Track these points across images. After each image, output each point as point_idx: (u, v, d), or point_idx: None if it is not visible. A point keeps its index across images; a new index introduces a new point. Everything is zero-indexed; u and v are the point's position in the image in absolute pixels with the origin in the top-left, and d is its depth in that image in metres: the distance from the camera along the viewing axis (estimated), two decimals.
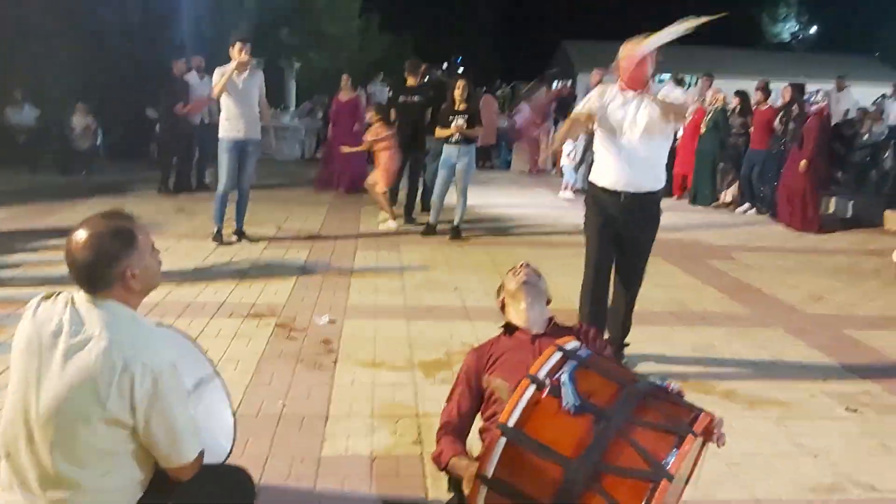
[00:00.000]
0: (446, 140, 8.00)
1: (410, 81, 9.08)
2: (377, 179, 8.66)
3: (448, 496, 2.67)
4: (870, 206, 10.65)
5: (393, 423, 3.64)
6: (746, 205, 10.83)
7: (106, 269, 2.05)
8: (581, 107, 4.34)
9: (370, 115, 9.11)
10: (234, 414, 2.71)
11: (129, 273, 2.07)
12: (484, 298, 5.74)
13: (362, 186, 10.53)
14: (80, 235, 2.08)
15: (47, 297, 2.15)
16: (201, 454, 2.19)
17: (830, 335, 5.28)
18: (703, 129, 11.10)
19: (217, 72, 7.16)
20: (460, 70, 17.63)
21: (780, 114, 10.24)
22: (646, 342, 4.82)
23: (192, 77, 10.43)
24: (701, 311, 5.76)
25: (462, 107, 8.02)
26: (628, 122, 4.13)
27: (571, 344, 2.32)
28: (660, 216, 4.41)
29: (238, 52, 7.05)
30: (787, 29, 41.70)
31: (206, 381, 2.66)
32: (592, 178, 4.39)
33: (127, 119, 12.63)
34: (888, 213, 10.15)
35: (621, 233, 4.31)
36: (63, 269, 2.08)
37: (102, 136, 12.53)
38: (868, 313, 5.91)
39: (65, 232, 2.11)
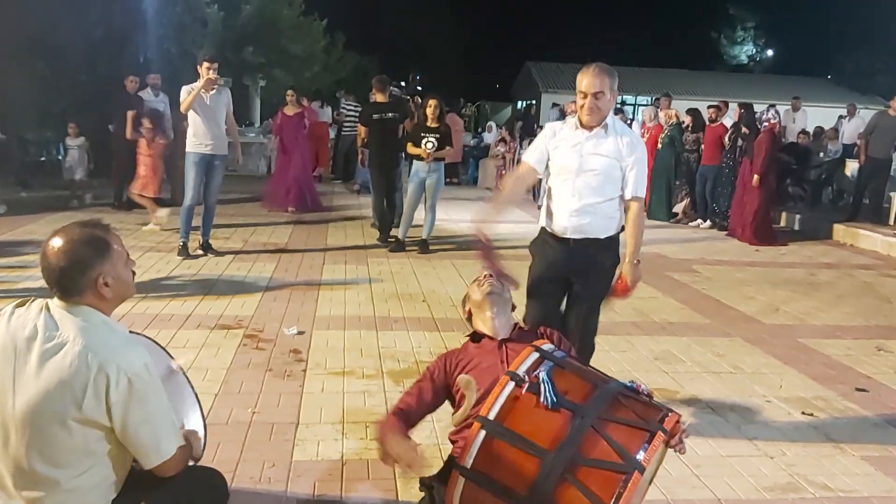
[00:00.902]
0: (416, 156, 8.09)
1: (380, 98, 8.92)
2: (142, 185, 8.82)
3: (418, 497, 2.72)
4: (818, 220, 11.09)
5: (363, 429, 3.68)
6: (699, 220, 11.24)
7: (79, 275, 2.08)
8: (528, 154, 3.77)
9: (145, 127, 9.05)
10: (204, 418, 2.74)
11: (101, 280, 2.10)
12: (451, 310, 5.81)
13: (314, 203, 10.80)
14: (56, 242, 2.11)
15: (21, 304, 2.18)
16: (184, 450, 2.22)
17: (786, 344, 5.45)
18: (659, 146, 11.45)
19: (185, 89, 7.21)
20: (419, 88, 17.68)
21: (731, 131, 10.64)
22: (609, 351, 4.94)
23: (147, 94, 10.32)
24: (662, 322, 5.90)
25: (434, 125, 8.11)
26: (579, 166, 3.53)
27: (547, 345, 2.42)
28: (614, 267, 3.72)
29: (206, 70, 7.12)
30: (745, 52, 42.81)
31: (174, 387, 2.70)
32: (541, 221, 3.78)
33: (89, 135, 12.51)
34: (837, 227, 10.56)
35: (570, 281, 3.69)
36: (27, 281, 2.11)
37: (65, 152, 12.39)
38: (822, 323, 6.10)
39: (27, 244, 2.14)
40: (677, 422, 2.21)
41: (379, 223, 8.90)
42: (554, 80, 28.82)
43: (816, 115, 16.53)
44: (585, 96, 3.47)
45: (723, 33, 42.30)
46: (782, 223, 11.54)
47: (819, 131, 14.18)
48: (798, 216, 11.37)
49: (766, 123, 9.82)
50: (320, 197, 11.35)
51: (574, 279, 3.67)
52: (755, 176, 9.62)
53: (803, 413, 4.21)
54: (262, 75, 22.55)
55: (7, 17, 11.53)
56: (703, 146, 11.14)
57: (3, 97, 12.24)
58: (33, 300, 2.18)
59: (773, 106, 10.65)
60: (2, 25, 11.49)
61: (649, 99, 25.38)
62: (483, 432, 2.14)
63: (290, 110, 10.85)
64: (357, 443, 3.54)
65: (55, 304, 2.12)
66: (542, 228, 3.77)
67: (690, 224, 11.25)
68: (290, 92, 11.02)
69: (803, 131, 13.75)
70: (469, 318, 3.03)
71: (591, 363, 4.54)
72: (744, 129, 10.25)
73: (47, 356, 2.05)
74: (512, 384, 2.20)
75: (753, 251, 9.33)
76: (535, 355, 2.30)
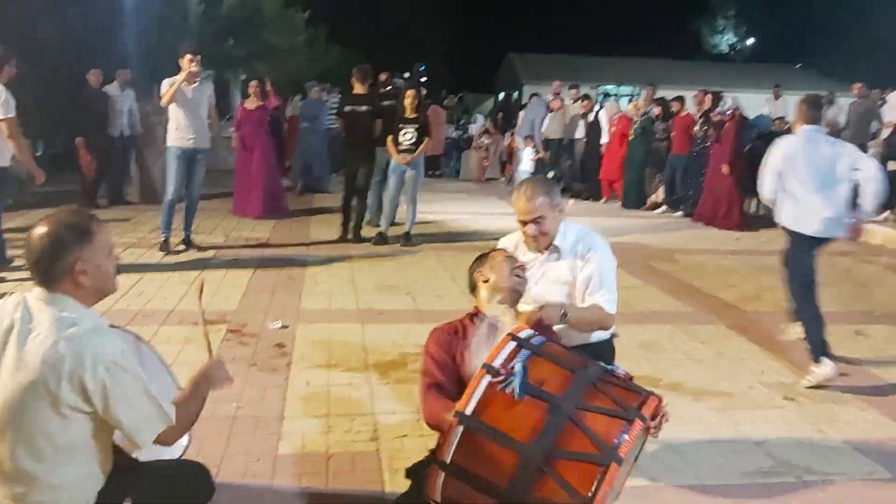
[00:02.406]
0: (396, 148, 8.06)
1: (358, 89, 8.33)
2: None
3: (404, 488, 2.72)
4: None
5: (349, 422, 3.67)
6: (665, 207, 11.52)
7: (56, 259, 2.07)
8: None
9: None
10: None
11: (79, 266, 2.08)
12: (436, 301, 5.81)
13: (277, 208, 9.79)
14: (40, 226, 2.11)
15: None
16: (174, 432, 2.20)
17: (768, 330, 5.49)
18: (631, 136, 11.68)
19: (166, 82, 7.16)
20: (423, 79, 17.52)
21: (700, 119, 10.83)
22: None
23: (112, 88, 10.13)
24: (645, 310, 5.93)
25: (413, 115, 8.10)
26: (535, 297, 3.04)
27: (525, 332, 2.38)
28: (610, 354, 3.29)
29: (188, 63, 7.07)
30: (726, 41, 42.95)
31: (157, 381, 2.68)
32: None
33: (68, 132, 12.37)
34: None
35: None
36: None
37: (44, 149, 12.22)
38: None
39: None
40: (657, 404, 2.21)
41: (342, 218, 8.37)
42: (536, 71, 28.82)
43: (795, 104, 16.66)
44: (525, 223, 3.09)
45: (703, 22, 42.42)
46: (752, 209, 11.68)
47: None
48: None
49: (727, 112, 10.06)
50: (285, 199, 10.37)
51: None
52: (724, 165, 9.84)
53: (785, 398, 4.25)
54: (243, 69, 22.44)
55: None
56: (672, 135, 11.34)
57: None
58: (11, 293, 2.16)
59: (729, 98, 10.84)
60: None
61: (631, 88, 25.45)
62: (461, 427, 2.13)
63: (251, 104, 9.82)
64: (343, 436, 3.53)
65: (33, 295, 2.11)
66: None
67: (656, 211, 11.54)
68: (253, 84, 10.08)
69: (781, 118, 13.84)
70: (474, 286, 2.87)
71: None
72: (714, 118, 10.41)
73: (23, 348, 2.04)
74: (488, 377, 2.19)
75: (734, 240, 9.40)
76: (512, 344, 2.28)
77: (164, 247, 7.25)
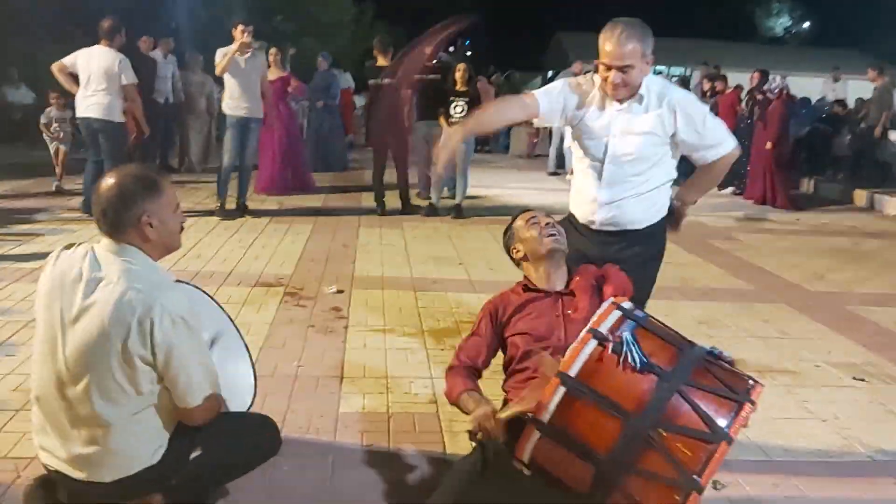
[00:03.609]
0: (447, 121, 8.01)
1: (381, 61, 7.96)
2: None
3: (465, 450, 2.67)
4: (836, 186, 11.30)
5: (408, 384, 3.66)
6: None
7: (123, 210, 2.08)
8: (542, 95, 2.97)
9: None
10: (253, 366, 2.73)
11: (145, 219, 2.09)
12: (488, 273, 5.76)
13: (301, 183, 9.30)
14: (110, 177, 2.12)
15: (68, 247, 2.18)
16: (214, 402, 2.22)
17: (833, 311, 5.32)
18: None
19: (219, 52, 7.27)
20: (468, 53, 17.31)
21: (746, 97, 10.74)
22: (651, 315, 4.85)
23: (157, 55, 10.29)
24: (704, 287, 5.80)
25: (463, 88, 8.11)
26: (607, 150, 2.90)
27: (627, 303, 2.29)
28: (659, 256, 3.15)
29: (240, 34, 7.16)
30: (781, 24, 41.90)
31: (224, 336, 2.69)
32: (570, 204, 3.18)
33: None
34: (857, 192, 10.71)
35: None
36: (66, 239, 2.12)
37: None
38: (869, 291, 5.96)
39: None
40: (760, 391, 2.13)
41: (375, 194, 8.15)
42: (584, 51, 28.45)
43: (855, 88, 16.15)
44: (609, 68, 2.76)
45: (758, 5, 41.41)
46: (802, 188, 11.72)
47: (860, 103, 13.88)
48: (813, 181, 11.65)
49: (775, 91, 9.91)
50: (310, 174, 9.77)
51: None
52: (768, 143, 9.77)
53: (854, 378, 4.11)
54: (291, 44, 22.55)
55: None
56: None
57: (40, 67, 12.31)
58: (81, 244, 2.17)
59: (777, 77, 10.64)
60: None
61: (683, 69, 24.94)
62: (562, 388, 2.03)
63: (271, 74, 8.71)
64: (402, 397, 3.52)
65: (101, 245, 2.13)
66: (570, 213, 3.14)
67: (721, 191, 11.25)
68: (273, 51, 9.29)
69: (839, 102, 13.44)
70: (515, 257, 2.78)
71: None
72: (758, 96, 10.26)
73: (93, 296, 2.04)
74: (594, 342, 2.09)
75: (795, 220, 9.18)
76: (618, 313, 2.18)
77: (220, 212, 7.34)
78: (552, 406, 2.04)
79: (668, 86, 2.94)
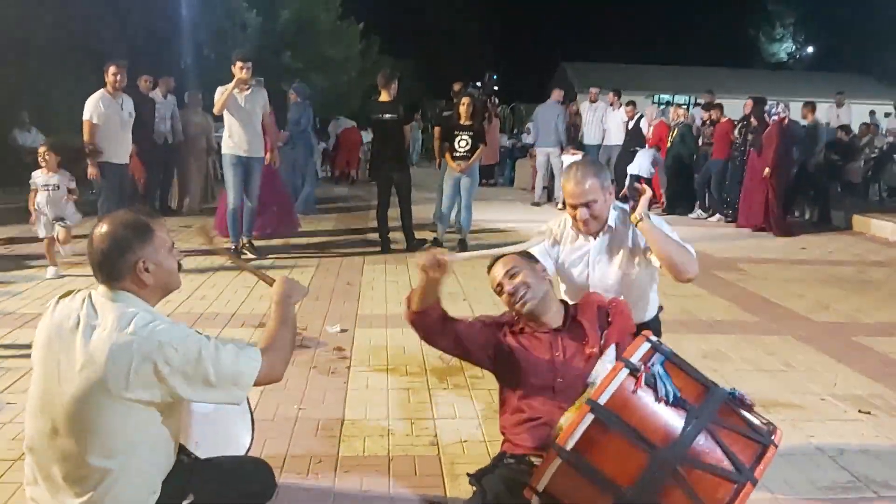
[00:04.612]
0: (452, 155, 8.06)
1: (384, 97, 7.96)
2: None
3: (466, 494, 2.67)
4: (841, 213, 11.19)
5: (409, 425, 3.65)
6: (699, 211, 11.57)
7: (119, 258, 2.09)
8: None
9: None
10: (251, 409, 2.74)
11: (141, 265, 2.10)
12: (493, 309, 5.70)
13: (283, 223, 8.88)
14: (101, 226, 2.14)
15: (66, 296, 2.19)
16: (271, 359, 2.21)
17: (838, 341, 5.29)
18: (669, 143, 11.70)
19: (219, 90, 7.21)
20: (495, 88, 17.19)
21: (739, 125, 10.76)
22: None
23: (156, 95, 10.12)
24: (709, 320, 5.77)
25: (468, 122, 8.11)
26: (589, 280, 3.10)
27: (653, 337, 2.30)
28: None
29: (239, 70, 7.09)
30: (784, 49, 42.10)
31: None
32: None
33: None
34: (857, 218, 10.70)
35: None
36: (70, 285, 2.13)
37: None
38: (875, 321, 5.93)
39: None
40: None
41: (379, 232, 8.11)
42: (590, 81, 28.64)
43: (858, 112, 16.21)
44: (576, 207, 2.93)
45: (761, 30, 41.66)
46: (797, 213, 11.74)
47: (864, 128, 13.96)
48: (814, 209, 11.53)
49: (775, 117, 9.93)
50: (294, 214, 9.42)
51: None
52: (766, 169, 9.76)
53: (860, 411, 4.08)
54: (298, 80, 22.85)
55: (51, 21, 11.78)
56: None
57: (49, 105, 12.50)
58: (78, 291, 2.19)
59: (779, 103, 10.69)
60: (46, 29, 11.75)
61: (687, 98, 25.06)
62: (591, 415, 2.01)
63: None
64: (403, 439, 3.51)
65: (98, 292, 2.13)
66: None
67: (705, 218, 11.46)
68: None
69: (842, 127, 13.46)
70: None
71: None
72: (752, 122, 10.28)
73: (88, 344, 2.05)
74: (626, 371, 2.09)
75: (799, 249, 9.13)
76: (647, 345, 2.19)
77: (235, 253, 7.15)
78: (578, 433, 2.02)
79: (620, 209, 3.11)
